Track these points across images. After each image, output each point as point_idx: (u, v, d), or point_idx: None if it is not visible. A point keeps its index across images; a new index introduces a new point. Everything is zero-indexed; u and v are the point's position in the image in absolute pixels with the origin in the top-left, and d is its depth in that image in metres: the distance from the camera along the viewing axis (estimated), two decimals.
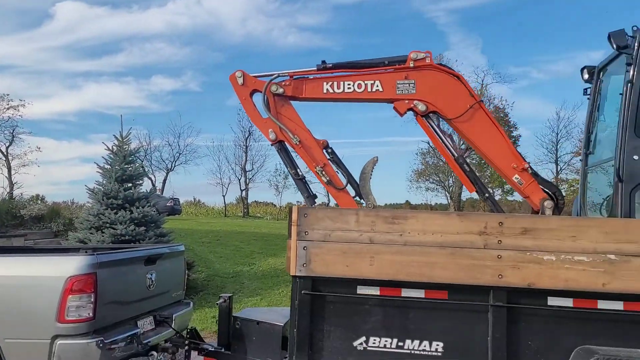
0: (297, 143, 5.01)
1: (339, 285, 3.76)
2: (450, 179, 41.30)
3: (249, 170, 44.21)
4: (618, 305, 3.52)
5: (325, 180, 5.00)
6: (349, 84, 5.01)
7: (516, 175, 4.85)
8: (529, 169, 4.83)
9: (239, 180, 44.00)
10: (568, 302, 3.57)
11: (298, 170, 5.17)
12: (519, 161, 4.85)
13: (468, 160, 5.27)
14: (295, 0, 61.93)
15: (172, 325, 4.98)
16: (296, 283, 3.77)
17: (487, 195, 5.02)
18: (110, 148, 10.35)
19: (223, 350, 4.60)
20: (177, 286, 5.56)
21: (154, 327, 4.90)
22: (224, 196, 44.55)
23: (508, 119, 40.02)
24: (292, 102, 5.22)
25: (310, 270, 3.72)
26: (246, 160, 43.69)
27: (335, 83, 5.04)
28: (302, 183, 5.13)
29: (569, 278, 3.52)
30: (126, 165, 10.26)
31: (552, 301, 3.59)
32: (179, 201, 35.90)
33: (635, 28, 4.32)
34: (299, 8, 61.46)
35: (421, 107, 4.97)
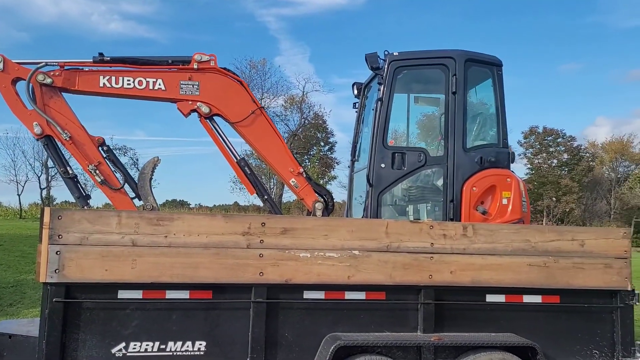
0: (67, 139, 4.65)
1: (97, 290, 3.58)
2: (272, 181, 42.57)
3: (52, 167, 39.52)
4: (361, 295, 3.99)
5: (99, 180, 4.73)
6: (128, 80, 4.82)
7: (293, 179, 5.19)
8: (304, 173, 5.21)
9: (39, 178, 39.00)
10: (320, 295, 3.93)
11: (68, 168, 4.80)
12: (295, 166, 5.20)
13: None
14: None
15: None
16: (47, 290, 3.48)
17: (265, 197, 5.28)
18: None
19: None
20: None
21: None
22: (19, 195, 39.05)
23: (326, 126, 42.65)
24: (63, 94, 4.82)
25: (64, 276, 3.47)
26: (48, 156, 38.93)
27: (113, 77, 4.81)
28: (72, 182, 4.78)
29: (321, 273, 3.87)
30: None
31: (307, 294, 3.91)
32: None
33: (386, 52, 4.98)
34: None
35: (204, 109, 5.01)
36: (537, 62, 69.05)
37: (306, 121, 38.26)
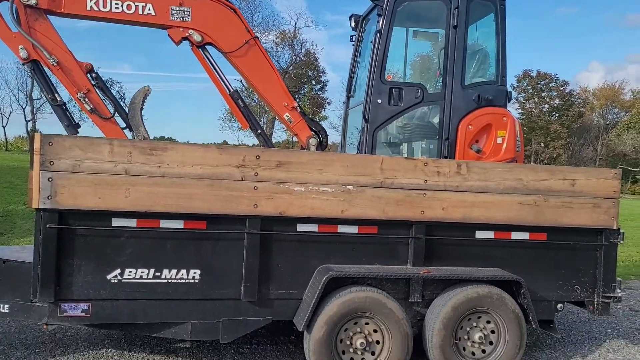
0: (55, 64, 4.49)
1: (91, 218, 3.58)
2: (263, 119, 42.13)
3: (37, 99, 38.63)
4: (353, 229, 4.04)
5: (89, 109, 4.62)
6: (117, 4, 4.61)
7: (287, 114, 5.11)
8: (298, 108, 5.12)
9: (24, 109, 38.20)
10: (314, 228, 3.97)
11: (56, 95, 4.67)
12: (290, 100, 5.10)
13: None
14: None
15: None
16: (40, 216, 3.48)
17: (259, 131, 5.22)
18: None
19: None
20: None
21: None
22: (4, 127, 38.45)
23: (317, 64, 41.79)
24: (49, 17, 4.60)
25: (56, 202, 3.45)
26: (32, 87, 37.93)
27: (100, 0, 4.58)
28: (61, 110, 4.66)
29: (315, 206, 3.90)
30: None
31: (301, 227, 3.95)
32: None
33: None
34: None
35: (197, 37, 4.84)
36: (535, 2, 67.44)
37: (297, 58, 37.47)
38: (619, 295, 4.46)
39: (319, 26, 49.42)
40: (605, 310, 4.48)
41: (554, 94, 46.16)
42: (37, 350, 4.38)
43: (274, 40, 35.13)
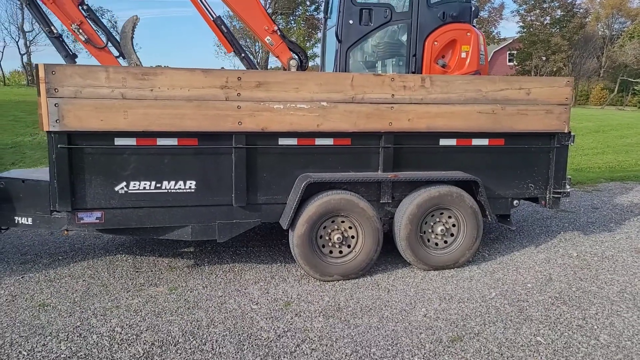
0: None
1: (96, 138, 4.09)
2: (257, 44, 41.32)
3: (29, 31, 37.95)
4: (329, 141, 4.54)
5: (84, 39, 4.98)
6: None
7: (268, 37, 5.45)
8: (278, 31, 5.45)
9: (17, 43, 37.65)
10: (293, 141, 4.48)
11: (52, 27, 5.01)
12: (270, 24, 5.42)
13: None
14: None
15: None
16: (51, 138, 3.98)
17: (243, 55, 5.58)
18: None
19: None
20: None
21: None
22: None
23: None
24: None
25: (64, 125, 3.95)
26: (24, 19, 37.18)
27: None
28: (58, 42, 5.02)
29: (293, 122, 4.38)
30: None
31: (282, 141, 4.45)
32: None
33: None
34: None
35: None
36: None
37: None
38: (568, 190, 5.03)
39: None
40: (555, 204, 5.07)
41: (556, 4, 44.73)
42: (59, 258, 5.05)
43: None
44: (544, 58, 43.71)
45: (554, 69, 43.93)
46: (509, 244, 5.51)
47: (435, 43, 5.22)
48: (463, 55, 5.30)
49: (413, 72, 5.25)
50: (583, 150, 12.47)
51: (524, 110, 4.78)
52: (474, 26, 5.47)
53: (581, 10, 45.69)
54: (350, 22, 5.10)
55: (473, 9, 5.46)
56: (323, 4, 6.30)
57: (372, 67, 5.59)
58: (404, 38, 5.33)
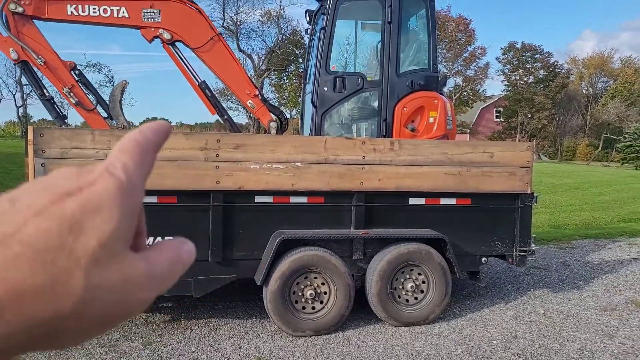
0: (42, 64, 5.13)
1: None
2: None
3: (26, 85, 38.73)
4: (303, 200, 4.78)
5: (74, 102, 5.28)
6: (94, 8, 5.23)
7: (249, 101, 5.79)
8: (259, 95, 5.80)
9: (14, 95, 38.39)
10: (269, 199, 4.71)
11: (45, 90, 5.32)
12: (252, 88, 5.78)
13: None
14: None
15: None
16: None
17: (225, 117, 5.90)
18: None
19: None
20: None
21: None
22: None
23: (304, 42, 41.91)
24: (35, 22, 5.23)
25: None
26: (22, 73, 37.94)
27: (80, 6, 5.20)
28: (49, 104, 5.32)
29: (269, 181, 4.63)
30: None
31: (258, 199, 4.68)
32: None
33: None
34: None
35: (166, 35, 5.48)
36: None
37: (284, 37, 37.68)
38: (534, 249, 5.25)
39: (306, 1, 49.25)
40: (522, 262, 5.27)
41: (539, 65, 46.63)
42: None
43: (259, 20, 35.37)
44: (529, 115, 45.06)
45: (539, 126, 45.23)
46: (480, 300, 5.66)
47: (405, 109, 5.58)
48: (431, 120, 5.65)
49: (384, 136, 5.57)
50: (561, 207, 12.79)
51: (488, 172, 5.06)
52: (441, 94, 5.87)
53: (563, 71, 47.57)
54: (325, 89, 5.47)
55: (440, 78, 5.87)
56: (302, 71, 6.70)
57: (346, 129, 5.92)
58: (376, 104, 5.69)
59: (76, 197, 0.33)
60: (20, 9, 5.04)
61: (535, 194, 5.24)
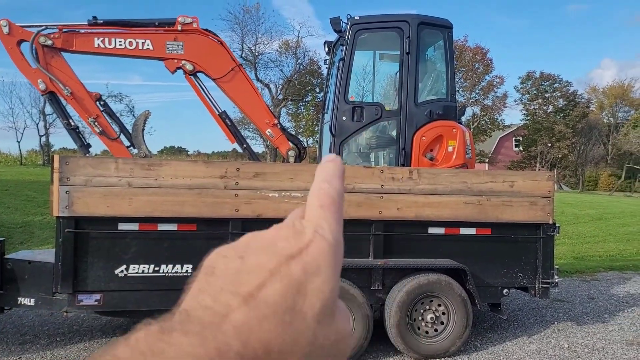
0: (69, 94, 5.29)
1: (101, 223, 4.36)
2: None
3: (49, 114, 39.80)
4: None
5: (98, 131, 5.41)
6: (120, 41, 5.40)
7: (268, 130, 5.87)
8: (278, 124, 5.88)
9: (37, 125, 39.38)
10: None
11: (70, 120, 5.47)
12: (271, 118, 5.86)
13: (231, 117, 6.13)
14: None
15: None
16: (60, 223, 4.26)
17: (244, 145, 5.97)
18: None
19: None
20: None
21: None
22: (18, 142, 39.79)
23: (321, 72, 42.52)
24: (63, 54, 5.42)
25: (73, 211, 4.24)
26: (45, 103, 39.05)
27: (106, 39, 5.39)
28: (74, 133, 5.46)
29: (288, 209, 4.50)
30: None
31: None
32: None
33: (348, 16, 5.52)
34: None
35: (189, 66, 5.62)
36: (543, 0, 68.00)
37: (301, 67, 38.28)
38: (557, 280, 5.12)
39: (324, 32, 50.18)
40: (544, 294, 5.14)
41: (558, 94, 46.41)
42: (57, 339, 5.14)
43: (277, 50, 36.08)
44: (549, 144, 44.64)
45: (560, 155, 44.70)
46: (502, 333, 5.51)
47: (423, 138, 5.59)
48: (450, 149, 5.64)
49: (402, 164, 5.57)
50: (584, 238, 12.52)
51: (508, 201, 5.01)
52: (459, 123, 5.87)
53: (583, 100, 47.24)
54: (344, 118, 5.52)
55: (458, 107, 5.88)
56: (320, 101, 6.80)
57: (365, 158, 5.94)
58: (394, 133, 5.72)
59: (298, 259, 0.34)
60: (49, 42, 5.23)
61: (557, 224, 5.15)
